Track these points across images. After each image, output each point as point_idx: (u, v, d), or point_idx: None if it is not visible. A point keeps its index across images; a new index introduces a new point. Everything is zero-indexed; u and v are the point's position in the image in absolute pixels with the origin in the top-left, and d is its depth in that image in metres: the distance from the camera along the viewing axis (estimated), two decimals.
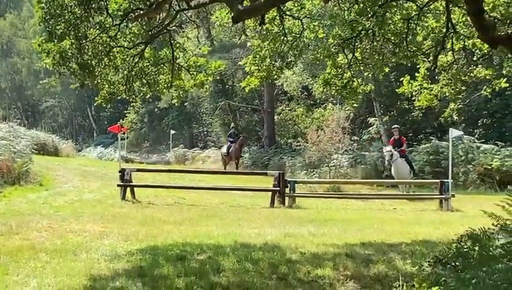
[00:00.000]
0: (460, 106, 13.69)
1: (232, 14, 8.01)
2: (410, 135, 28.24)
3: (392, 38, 10.28)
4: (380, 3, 9.13)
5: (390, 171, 18.69)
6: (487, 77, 11.60)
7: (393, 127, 18.17)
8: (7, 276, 6.10)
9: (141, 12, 9.11)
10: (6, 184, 14.96)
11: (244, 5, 8.07)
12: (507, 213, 5.68)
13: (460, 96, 12.75)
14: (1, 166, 15.38)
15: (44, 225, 9.92)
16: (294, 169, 20.54)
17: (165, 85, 11.40)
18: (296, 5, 10.35)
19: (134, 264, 7.06)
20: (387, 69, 12.29)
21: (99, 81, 10.65)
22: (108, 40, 9.74)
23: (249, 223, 11.13)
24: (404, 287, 5.72)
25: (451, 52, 10.61)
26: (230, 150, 25.99)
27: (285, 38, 10.79)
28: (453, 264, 5.70)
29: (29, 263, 6.80)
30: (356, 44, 10.47)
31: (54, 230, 9.69)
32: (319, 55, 11.71)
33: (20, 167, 16.47)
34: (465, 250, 5.78)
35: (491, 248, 5.30)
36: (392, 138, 18.82)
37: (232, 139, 26.42)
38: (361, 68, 11.61)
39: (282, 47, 10.99)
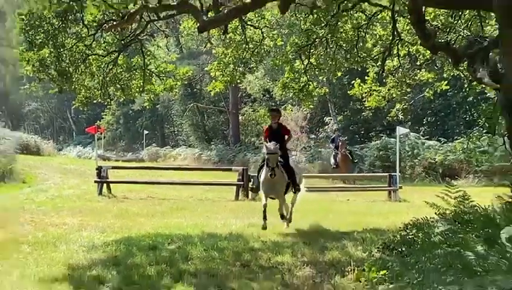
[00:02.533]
0: (406, 106, 14.56)
1: (198, 25, 9.00)
2: (362, 132, 31.52)
3: (344, 45, 11.56)
4: (333, 13, 10.12)
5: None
6: (430, 80, 12.83)
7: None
8: None
9: (114, 23, 9.84)
10: None
11: (208, 16, 8.83)
12: (446, 203, 6.69)
13: (406, 97, 13.97)
14: None
15: (27, 219, 10.69)
16: (257, 165, 20.27)
17: (137, 89, 12.49)
18: (256, 15, 11.28)
19: (109, 254, 7.52)
20: (340, 73, 13.67)
21: (76, 86, 11.74)
22: (84, 48, 10.77)
23: (215, 215, 11.96)
24: (355, 271, 6.18)
25: (397, 57, 11.84)
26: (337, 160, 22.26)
27: (246, 46, 11.91)
28: (399, 250, 6.34)
29: (12, 254, 7.24)
30: (311, 51, 11.62)
31: (36, 224, 10.37)
32: (278, 61, 12.98)
33: (4, 166, 17.85)
34: (409, 237, 6.59)
35: (432, 235, 6.11)
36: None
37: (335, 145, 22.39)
38: (316, 73, 12.97)
39: (244, 54, 12.17)
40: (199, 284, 5.99)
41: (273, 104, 30.76)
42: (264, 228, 9.09)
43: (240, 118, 38.52)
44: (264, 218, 9.18)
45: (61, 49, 10.38)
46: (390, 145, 23.99)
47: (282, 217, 9.57)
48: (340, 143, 21.33)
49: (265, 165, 9.25)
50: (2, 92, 57.51)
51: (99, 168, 16.46)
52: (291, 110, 28.94)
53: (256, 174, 10.58)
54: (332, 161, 22.05)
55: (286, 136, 10.24)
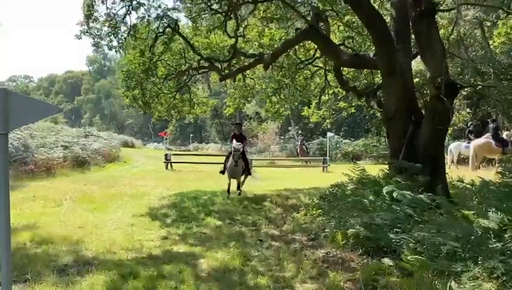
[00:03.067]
0: (332, 120, 22.30)
1: (219, 77, 15.67)
2: (309, 135, 46.63)
3: (299, 88, 18.80)
4: (292, 70, 16.69)
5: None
6: (345, 106, 19.57)
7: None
8: (107, 208, 11.26)
9: (173, 75, 15.68)
10: (107, 162, 25.86)
11: (225, 71, 15.22)
12: (353, 174, 10.91)
13: (332, 115, 21.55)
14: (105, 153, 26.55)
15: (126, 182, 17.11)
16: (251, 152, 39.88)
17: (186, 112, 19.63)
18: (250, 71, 17.25)
19: (171, 201, 12.45)
20: (296, 103, 21.97)
21: (153, 110, 17.89)
22: (157, 89, 16.50)
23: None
24: (304, 210, 10.31)
25: (327, 94, 18.86)
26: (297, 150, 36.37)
27: (245, 88, 18.49)
28: (328, 199, 10.33)
29: (118, 201, 12.33)
30: (281, 91, 18.58)
31: (132, 185, 16.57)
32: (263, 96, 20.59)
33: (113, 153, 28.77)
34: (333, 192, 10.56)
35: (345, 191, 9.98)
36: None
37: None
38: (283, 103, 19.81)
39: (244, 92, 18.78)
40: (219, 217, 10.14)
41: (260, 120, 52.01)
42: (228, 197, 12.87)
43: (243, 127, 49.94)
44: (228, 192, 13.18)
45: (145, 90, 16.09)
46: (324, 142, 35.14)
47: (238, 188, 13.60)
48: (299, 141, 36.21)
49: (231, 158, 13.02)
50: (113, 113, 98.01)
51: (166, 155, 26.80)
52: (270, 123, 45.70)
53: (223, 162, 14.13)
54: (297, 150, 36.03)
55: (244, 141, 14.26)
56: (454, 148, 21.90)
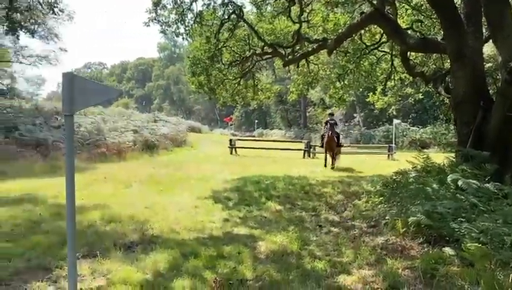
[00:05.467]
0: (398, 107, 24.20)
1: (283, 63, 16.34)
2: (374, 122, 47.52)
3: (364, 73, 18.16)
4: (357, 56, 16.41)
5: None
6: (412, 93, 20.81)
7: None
8: (173, 190, 11.73)
9: (238, 61, 16.38)
10: (174, 146, 27.65)
11: (288, 57, 15.50)
12: (417, 161, 10.41)
13: (398, 102, 23.01)
14: (172, 137, 28.20)
15: (192, 166, 17.83)
16: (317, 139, 35.74)
17: (251, 98, 20.58)
18: (314, 56, 17.20)
19: (234, 185, 12.74)
20: (361, 89, 23.36)
21: (218, 96, 19.14)
22: (222, 76, 17.48)
23: (291, 166, 17.76)
24: (366, 197, 10.29)
25: (393, 80, 18.06)
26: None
27: (310, 74, 18.55)
28: (391, 186, 10.02)
29: (184, 184, 12.81)
30: (345, 76, 18.19)
31: (197, 168, 17.19)
32: (327, 82, 20.67)
33: (181, 138, 30.79)
34: (396, 179, 10.20)
35: (408, 178, 9.67)
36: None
37: None
38: (348, 89, 19.78)
39: (308, 78, 18.98)
40: (280, 202, 10.39)
41: (324, 106, 50.70)
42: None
43: (307, 113, 63.30)
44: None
45: (210, 76, 16.96)
46: (390, 129, 35.91)
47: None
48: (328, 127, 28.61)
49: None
50: (182, 99, 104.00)
51: (230, 140, 28.10)
52: (335, 109, 41.47)
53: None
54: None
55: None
56: None
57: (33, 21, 28.42)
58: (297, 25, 14.31)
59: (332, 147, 16.20)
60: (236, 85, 17.14)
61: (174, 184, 12.68)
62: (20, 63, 39.04)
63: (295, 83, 19.88)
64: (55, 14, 28.26)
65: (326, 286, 5.27)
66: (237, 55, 15.79)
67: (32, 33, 29.48)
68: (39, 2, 25.56)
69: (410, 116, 44.08)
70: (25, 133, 19.65)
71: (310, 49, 14.94)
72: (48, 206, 9.14)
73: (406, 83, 18.58)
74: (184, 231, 7.40)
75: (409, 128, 39.61)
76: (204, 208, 9.35)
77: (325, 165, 16.37)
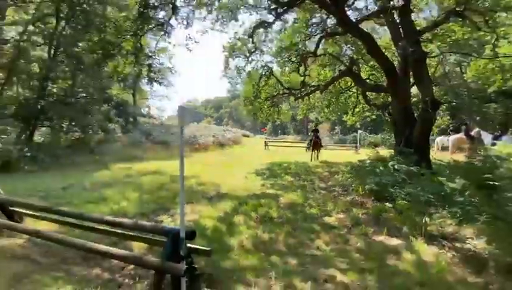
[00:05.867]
0: (361, 123, 22.22)
1: (294, 98, 15.55)
2: (346, 131, 40.74)
3: (341, 104, 17.08)
4: (337, 94, 15.59)
5: None
6: (369, 115, 18.33)
7: None
8: (233, 168, 11.34)
9: (269, 98, 15.22)
10: (234, 145, 25.85)
11: (298, 95, 14.66)
12: (371, 154, 10.08)
13: (361, 120, 19.97)
14: (233, 140, 26.92)
15: (244, 155, 12.94)
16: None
17: (276, 118, 17.66)
18: (313, 94, 14.96)
19: (266, 166, 11.51)
20: (339, 113, 19.22)
21: (258, 117, 16.97)
22: (260, 106, 15.54)
23: (299, 156, 15.43)
24: (341, 174, 9.45)
25: (358, 107, 16.70)
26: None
27: (310, 104, 17.96)
28: (356, 168, 9.14)
29: (239, 165, 12.26)
30: (330, 105, 17.05)
31: (246, 156, 16.77)
32: (320, 109, 18.88)
33: (238, 140, 28.04)
34: (359, 164, 9.27)
35: (365, 164, 8.96)
36: None
37: None
38: (331, 112, 17.90)
39: (309, 106, 18.17)
40: (292, 176, 9.67)
41: (318, 122, 33.46)
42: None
43: (308, 126, 48.44)
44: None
45: (254, 106, 15.61)
46: (355, 135, 30.75)
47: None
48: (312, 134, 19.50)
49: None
50: (239, 118, 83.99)
51: (265, 141, 25.37)
52: (324, 124, 37.90)
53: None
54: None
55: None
56: (439, 140, 20.02)
57: (161, 76, 29.36)
58: (303, 77, 14.19)
59: (316, 147, 14.90)
60: (268, 111, 16.30)
61: (234, 165, 12.63)
62: (153, 98, 41.42)
63: (301, 109, 19.24)
64: (172, 72, 29.48)
65: (317, 222, 5.31)
66: (269, 94, 15.39)
67: (160, 83, 30.36)
68: (169, 69, 27.48)
69: (369, 127, 42.25)
70: (155, 137, 20.34)
71: (309, 91, 14.66)
72: (168, 176, 9.42)
73: (365, 109, 17.16)
74: (239, 191, 7.49)
75: (368, 135, 38.05)
76: (250, 179, 9.35)
77: (311, 160, 14.23)
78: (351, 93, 16.69)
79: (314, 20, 13.16)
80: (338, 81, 14.63)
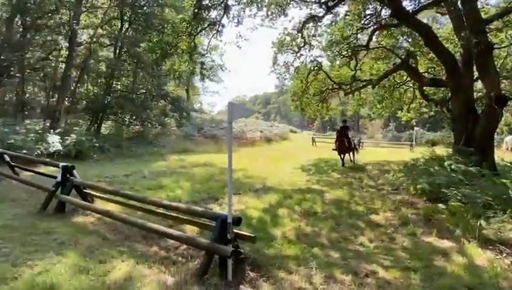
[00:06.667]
0: (418, 120, 19.74)
1: (344, 93, 14.83)
2: (402, 129, 37.10)
3: (395, 99, 15.87)
4: (392, 88, 14.02)
5: None
6: (427, 111, 17.05)
7: None
8: (280, 163, 11.31)
9: (318, 93, 15.06)
10: (281, 140, 26.60)
11: (348, 90, 14.07)
12: (427, 153, 9.46)
13: (418, 116, 18.26)
14: (280, 135, 27.74)
15: (290, 151, 13.00)
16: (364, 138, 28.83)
17: (325, 114, 17.27)
18: (364, 89, 14.15)
19: (313, 162, 12.07)
20: (393, 108, 17.56)
21: (305, 112, 16.48)
22: (308, 101, 15.31)
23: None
24: (392, 173, 9.02)
25: (414, 103, 15.65)
26: None
27: (361, 99, 16.60)
28: (408, 167, 8.83)
29: (285, 160, 12.67)
30: (383, 101, 15.74)
31: (292, 152, 17.26)
32: (371, 104, 16.85)
33: (285, 135, 29.50)
34: (413, 163, 8.92)
35: (419, 163, 8.64)
36: None
37: None
38: (384, 108, 16.52)
39: (359, 101, 16.76)
40: (339, 173, 9.88)
41: (370, 118, 33.44)
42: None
43: (359, 122, 48.26)
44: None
45: (301, 101, 15.28)
46: (412, 133, 28.41)
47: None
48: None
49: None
50: (286, 114, 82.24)
51: (312, 137, 25.25)
52: (377, 120, 35.64)
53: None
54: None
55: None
56: (509, 140, 18.05)
57: (212, 73, 30.66)
58: (354, 72, 13.75)
59: (344, 148, 11.57)
60: (316, 106, 15.89)
61: (280, 160, 12.81)
62: (205, 94, 43.48)
63: (351, 105, 18.32)
64: (222, 70, 30.47)
65: (362, 219, 5.26)
66: (317, 89, 15.05)
67: (211, 79, 31.61)
68: (220, 66, 28.58)
69: (427, 125, 38.64)
70: (206, 131, 21.32)
71: (361, 85, 14.08)
72: (216, 168, 9.93)
73: (422, 105, 16.10)
74: (285, 185, 7.66)
75: (425, 133, 35.34)
76: (296, 174, 9.47)
77: (343, 165, 11.29)
78: (407, 88, 15.77)
79: (367, 11, 12.66)
80: (392, 75, 13.91)
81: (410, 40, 13.10)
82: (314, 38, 13.37)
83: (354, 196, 6.75)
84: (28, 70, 14.36)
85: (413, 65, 11.93)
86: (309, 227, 4.82)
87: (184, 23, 11.52)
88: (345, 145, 11.29)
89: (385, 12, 11.91)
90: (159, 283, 2.95)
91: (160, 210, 4.23)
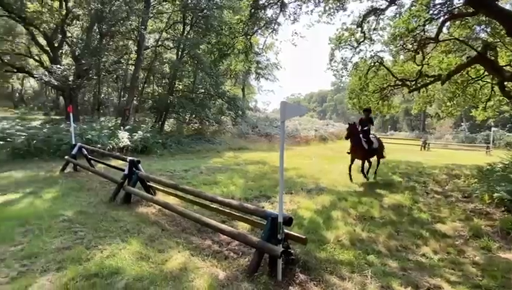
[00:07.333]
0: (496, 119, 15.88)
1: (408, 90, 12.91)
2: (477, 129, 33.32)
3: (469, 96, 14.26)
4: (465, 84, 12.41)
5: None
6: (509, 110, 13.42)
7: None
8: (335, 162, 9.42)
9: (378, 90, 14.06)
10: (337, 139, 23.48)
11: (412, 87, 12.54)
12: (505, 156, 8.51)
13: (496, 116, 15.70)
14: (336, 134, 25.60)
15: (345, 149, 12.36)
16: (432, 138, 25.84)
17: (386, 112, 15.91)
18: (432, 86, 12.71)
19: None
20: (466, 107, 16.29)
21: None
22: (368, 99, 14.31)
23: (411, 155, 15.19)
24: (463, 178, 8.43)
25: (492, 100, 13.05)
26: None
27: (428, 96, 15.20)
28: (483, 172, 8.20)
29: (341, 160, 11.46)
30: (454, 98, 14.03)
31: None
32: (440, 102, 15.83)
33: (341, 134, 24.83)
34: (488, 168, 8.34)
35: (496, 168, 7.88)
36: None
37: None
38: (456, 106, 14.91)
39: (426, 99, 15.26)
40: (400, 176, 9.01)
41: (439, 118, 29.78)
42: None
43: (426, 122, 46.09)
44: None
45: (360, 99, 14.42)
46: (489, 134, 24.40)
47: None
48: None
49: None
50: (343, 113, 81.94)
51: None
52: (446, 120, 30.62)
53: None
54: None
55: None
56: None
57: (267, 72, 30.85)
58: (420, 66, 12.70)
59: (358, 154, 7.83)
60: (376, 104, 14.87)
61: (334, 159, 12.41)
62: (260, 93, 44.20)
63: (416, 102, 16.82)
64: (277, 68, 30.59)
65: (426, 228, 4.84)
66: (378, 86, 14.16)
67: (266, 78, 31.87)
68: (275, 64, 28.47)
69: (507, 125, 34.11)
70: (260, 129, 21.59)
71: (428, 81, 13.02)
72: (269, 166, 9.99)
73: (502, 103, 14.05)
74: (339, 186, 7.40)
75: (505, 134, 31.07)
76: (352, 174, 9.11)
77: (350, 179, 7.84)
78: (483, 83, 14.12)
79: (436, 0, 11.56)
80: (466, 70, 12.56)
81: (488, 30, 11.67)
82: (375, 32, 12.65)
83: (417, 202, 6.24)
84: (103, 73, 16.00)
85: (492, 58, 10.60)
86: (365, 232, 4.58)
87: (241, 23, 11.77)
88: (363, 148, 7.77)
89: (458, 1, 10.78)
90: (211, 276, 3.05)
91: (214, 205, 4.39)
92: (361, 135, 7.77)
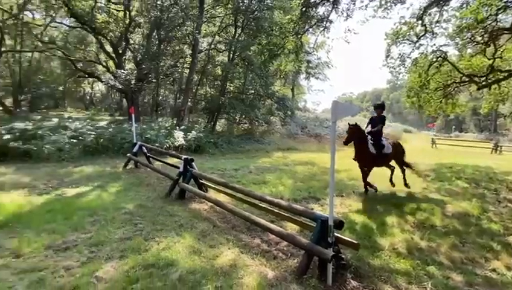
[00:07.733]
0: None
1: (477, 87, 11.30)
2: None
3: None
4: None
5: None
6: None
7: None
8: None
9: (441, 88, 12.91)
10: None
11: (482, 83, 11.12)
12: None
13: None
14: (392, 135, 23.09)
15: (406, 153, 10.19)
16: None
17: (450, 111, 14.41)
18: (506, 82, 10.88)
19: (432, 167, 9.13)
20: None
21: (424, 110, 14.49)
22: (429, 97, 13.40)
23: (480, 159, 13.36)
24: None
25: None
26: None
27: (500, 94, 13.52)
28: None
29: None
30: None
31: (409, 155, 13.16)
32: None
33: (398, 135, 25.16)
34: None
35: None
36: None
37: None
38: None
39: (498, 97, 13.40)
40: (467, 181, 7.99)
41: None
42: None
43: (497, 122, 41.10)
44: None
45: (419, 98, 13.52)
46: None
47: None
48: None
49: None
50: (400, 112, 78.24)
51: (432, 139, 23.53)
52: None
53: None
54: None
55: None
56: None
57: (318, 71, 30.26)
58: (491, 60, 11.41)
59: (363, 161, 6.40)
60: (438, 103, 13.57)
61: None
62: (309, 93, 43.71)
63: (486, 101, 15.10)
64: (329, 67, 29.87)
65: (497, 240, 4.33)
66: (440, 83, 12.98)
67: (316, 77, 31.27)
68: (326, 63, 28.09)
69: None
70: (309, 129, 21.25)
71: (501, 77, 11.59)
72: (318, 167, 9.77)
73: None
74: (397, 191, 6.98)
75: None
76: (410, 178, 8.35)
77: (365, 191, 6.58)
78: None
79: None
80: None
81: None
82: (437, 25, 11.67)
83: (487, 211, 5.62)
84: (161, 76, 17.07)
85: None
86: (424, 241, 4.25)
87: (291, 23, 11.69)
88: (368, 152, 6.31)
89: None
90: (260, 275, 3.07)
91: (263, 205, 4.42)
92: (369, 137, 6.47)
